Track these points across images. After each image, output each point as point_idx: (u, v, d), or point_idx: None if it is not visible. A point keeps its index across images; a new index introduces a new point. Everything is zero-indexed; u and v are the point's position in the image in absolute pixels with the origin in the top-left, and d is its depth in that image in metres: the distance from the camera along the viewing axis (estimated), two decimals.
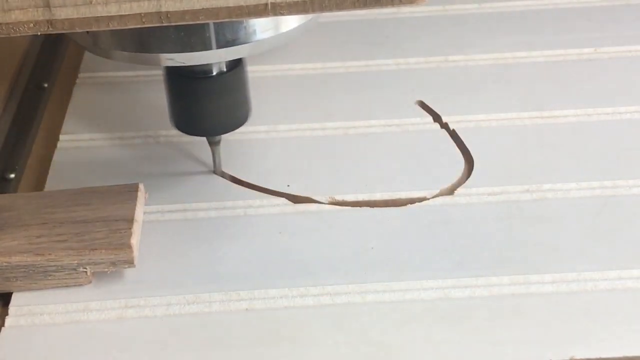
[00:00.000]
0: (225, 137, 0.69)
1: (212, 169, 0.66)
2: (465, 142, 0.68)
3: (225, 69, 0.60)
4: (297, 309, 0.56)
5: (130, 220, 0.58)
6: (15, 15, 0.49)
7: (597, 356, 0.52)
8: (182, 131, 0.63)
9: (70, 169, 0.67)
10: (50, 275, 0.57)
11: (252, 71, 0.75)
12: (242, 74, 0.61)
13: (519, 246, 0.59)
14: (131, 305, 0.57)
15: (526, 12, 0.82)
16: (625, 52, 0.76)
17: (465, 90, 0.73)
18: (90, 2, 0.48)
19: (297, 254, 0.59)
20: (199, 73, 0.59)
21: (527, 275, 0.57)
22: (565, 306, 0.55)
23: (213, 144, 0.64)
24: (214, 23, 0.55)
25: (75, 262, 0.57)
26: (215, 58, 0.57)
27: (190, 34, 0.55)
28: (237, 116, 0.62)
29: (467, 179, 0.65)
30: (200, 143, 0.66)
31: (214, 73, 0.60)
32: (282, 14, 0.49)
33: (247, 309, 0.56)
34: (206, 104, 0.60)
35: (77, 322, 0.56)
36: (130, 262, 0.57)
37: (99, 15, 0.49)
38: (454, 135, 0.69)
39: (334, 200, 0.63)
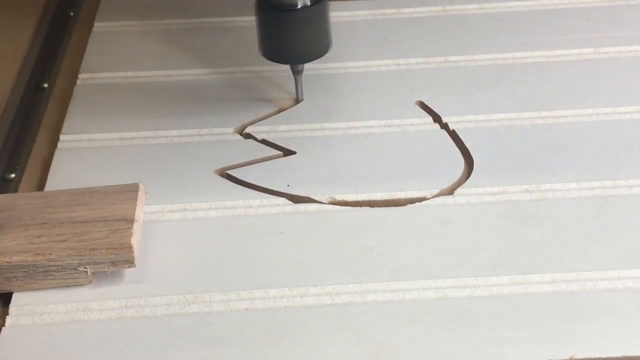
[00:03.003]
0: (226, 137, 0.69)
1: (295, 97, 0.73)
2: (465, 142, 0.68)
3: (309, 3, 0.68)
4: (297, 309, 0.56)
5: (130, 220, 0.58)
6: None
7: (597, 356, 0.52)
8: (270, 59, 0.70)
9: (70, 169, 0.67)
10: (50, 275, 0.57)
11: (251, 71, 0.76)
12: (324, 9, 0.69)
13: (519, 246, 0.59)
14: (131, 305, 0.57)
15: (526, 12, 0.82)
16: (625, 52, 0.76)
17: (465, 90, 0.73)
18: None
19: (297, 254, 0.60)
20: (286, 6, 0.67)
21: (527, 275, 0.57)
22: (565, 306, 0.55)
23: (296, 73, 0.71)
24: None
25: (76, 262, 0.57)
26: None
27: None
28: (318, 47, 0.70)
29: (467, 179, 0.65)
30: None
31: (299, 6, 0.67)
32: None
33: (247, 309, 0.56)
34: (291, 34, 0.68)
35: (77, 322, 0.56)
36: (130, 262, 0.57)
37: None
38: (454, 135, 0.69)
39: (334, 200, 0.63)
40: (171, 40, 0.80)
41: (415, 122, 0.70)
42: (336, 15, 0.82)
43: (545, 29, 0.79)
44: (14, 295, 0.57)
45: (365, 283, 0.57)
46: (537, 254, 0.59)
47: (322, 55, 0.70)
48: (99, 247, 0.57)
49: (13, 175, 0.68)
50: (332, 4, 0.83)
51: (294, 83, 0.72)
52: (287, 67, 0.71)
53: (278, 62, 0.70)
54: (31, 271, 0.57)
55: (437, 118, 0.70)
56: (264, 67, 0.76)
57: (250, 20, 0.82)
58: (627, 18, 0.80)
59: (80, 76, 0.76)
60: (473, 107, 0.71)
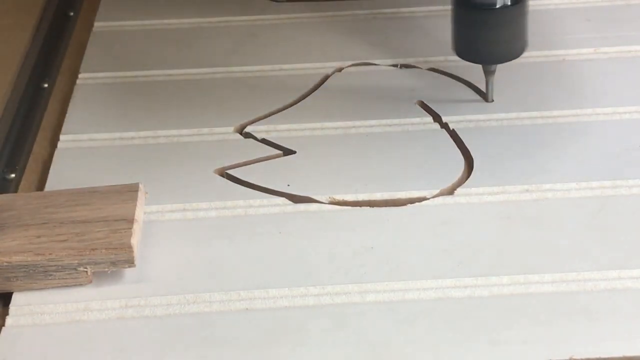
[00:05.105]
0: (226, 137, 0.69)
1: (485, 97, 0.71)
2: (465, 142, 0.68)
3: (509, 3, 0.65)
4: (297, 309, 0.56)
5: (130, 220, 0.58)
6: None
7: (597, 356, 0.52)
8: (462, 57, 0.68)
9: (70, 169, 0.67)
10: (50, 275, 0.57)
11: (252, 71, 0.76)
12: (523, 9, 0.66)
13: (519, 246, 0.59)
14: (131, 305, 0.57)
15: None
16: (625, 52, 0.76)
17: (466, 90, 0.73)
18: None
19: (297, 254, 0.59)
20: (485, 5, 0.65)
21: (527, 275, 0.57)
22: (565, 306, 0.55)
23: (488, 73, 0.69)
24: None
25: (76, 262, 0.57)
26: None
27: None
28: (513, 48, 0.67)
29: (467, 179, 0.65)
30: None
31: (498, 6, 0.65)
32: None
33: (247, 309, 0.56)
34: (487, 33, 0.66)
35: (77, 322, 0.56)
36: (130, 262, 0.57)
37: None
38: (454, 135, 0.69)
39: (334, 200, 0.63)
40: (171, 40, 0.80)
41: (415, 122, 0.70)
42: (335, 14, 0.82)
43: (545, 29, 0.79)
44: (14, 295, 0.57)
45: (365, 283, 0.57)
46: (537, 254, 0.59)
47: (516, 58, 0.68)
48: (99, 247, 0.57)
49: (13, 175, 0.68)
50: (332, 4, 0.83)
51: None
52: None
53: (470, 61, 0.68)
54: (31, 271, 0.57)
55: (437, 118, 0.70)
56: (264, 67, 0.76)
57: (249, 20, 0.82)
58: (627, 18, 0.80)
59: (80, 76, 0.76)
60: (473, 107, 0.71)
